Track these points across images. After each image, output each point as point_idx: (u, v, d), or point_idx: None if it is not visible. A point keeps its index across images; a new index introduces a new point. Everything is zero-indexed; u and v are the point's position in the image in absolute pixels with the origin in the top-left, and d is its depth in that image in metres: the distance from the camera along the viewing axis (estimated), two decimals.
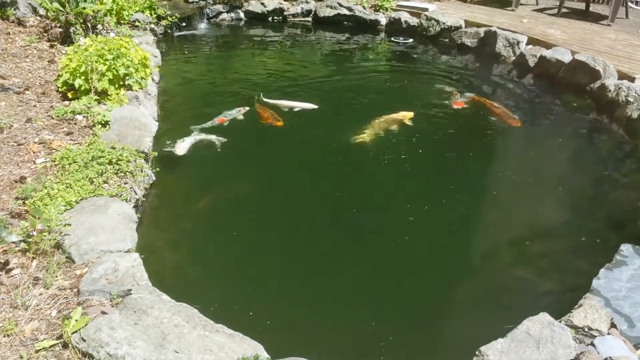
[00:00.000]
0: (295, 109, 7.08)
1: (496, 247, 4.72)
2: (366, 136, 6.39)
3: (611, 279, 3.90)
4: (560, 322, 3.30)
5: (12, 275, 3.37)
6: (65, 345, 2.87)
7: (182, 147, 5.88)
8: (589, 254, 4.51)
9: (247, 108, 7.13)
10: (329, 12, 11.59)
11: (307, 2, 11.86)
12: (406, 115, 6.94)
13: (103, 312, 3.09)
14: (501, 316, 3.81)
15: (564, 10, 11.19)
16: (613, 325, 3.42)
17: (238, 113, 6.97)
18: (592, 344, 3.20)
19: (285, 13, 11.88)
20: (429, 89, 8.27)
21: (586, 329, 3.30)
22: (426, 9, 11.10)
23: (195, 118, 6.90)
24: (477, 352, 3.04)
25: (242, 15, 11.94)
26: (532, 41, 9.31)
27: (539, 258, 4.54)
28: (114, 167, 4.57)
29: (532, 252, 4.61)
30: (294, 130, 6.59)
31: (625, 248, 4.23)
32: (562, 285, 4.22)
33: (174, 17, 10.31)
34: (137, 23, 9.25)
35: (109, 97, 5.94)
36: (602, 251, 4.41)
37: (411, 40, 10.79)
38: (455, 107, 7.25)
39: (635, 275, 3.94)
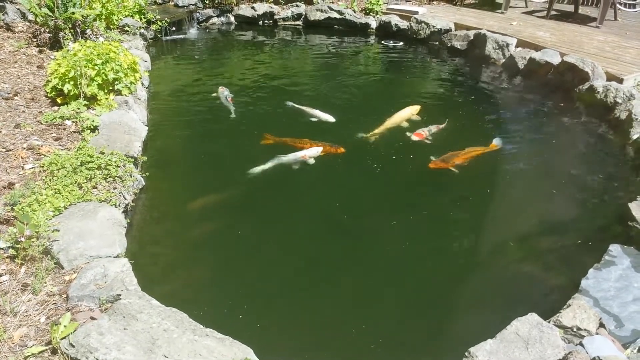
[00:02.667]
0: (313, 119, 6.96)
1: (485, 249, 4.74)
2: (378, 134, 6.52)
3: (600, 279, 3.93)
4: (549, 322, 3.32)
5: (1, 282, 3.34)
6: (54, 351, 2.86)
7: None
8: (578, 255, 4.53)
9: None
10: (319, 16, 11.63)
11: (297, 6, 11.89)
12: (414, 110, 7.07)
13: (92, 318, 3.07)
14: (490, 317, 3.81)
15: (553, 12, 11.27)
16: (602, 325, 3.43)
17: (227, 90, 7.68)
18: (581, 344, 3.21)
19: (276, 17, 11.91)
20: (419, 91, 8.30)
21: (575, 329, 3.31)
22: (416, 12, 11.16)
23: (186, 122, 6.93)
24: (466, 353, 3.05)
25: (232, 19, 11.96)
26: (521, 43, 9.37)
27: (528, 259, 4.56)
28: (102, 172, 4.55)
29: (521, 253, 4.62)
30: (291, 133, 6.59)
31: (614, 248, 4.26)
32: (551, 285, 4.24)
33: (163, 22, 10.31)
34: (126, 28, 9.26)
35: (98, 102, 5.92)
36: (591, 252, 4.43)
37: (401, 43, 10.85)
38: (415, 138, 6.39)
39: (624, 275, 3.97)
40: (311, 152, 5.81)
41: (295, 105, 7.20)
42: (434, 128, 6.59)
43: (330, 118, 6.95)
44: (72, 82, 5.81)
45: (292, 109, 7.18)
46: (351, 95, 8.12)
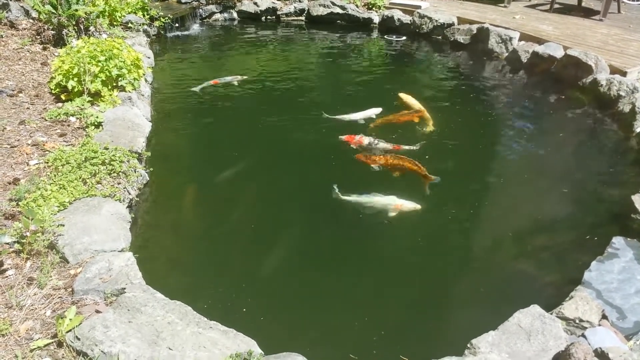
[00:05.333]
0: (361, 120, 6.77)
1: (488, 241, 4.75)
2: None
3: (603, 271, 3.94)
4: (551, 314, 3.33)
5: (7, 276, 3.38)
6: (59, 344, 2.89)
7: None
8: (581, 247, 4.54)
9: (245, 77, 7.98)
10: (322, 11, 11.61)
11: (300, 1, 11.88)
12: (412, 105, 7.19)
13: (97, 311, 3.10)
14: (493, 309, 3.82)
15: (556, 5, 11.23)
16: (604, 317, 3.45)
17: (233, 79, 7.86)
18: (583, 336, 3.22)
19: (279, 12, 11.89)
20: (423, 86, 8.31)
21: (577, 321, 3.32)
22: (419, 6, 11.13)
23: (189, 118, 6.95)
24: (468, 345, 3.06)
25: (235, 15, 11.96)
26: (524, 37, 9.35)
27: (531, 252, 4.56)
28: (107, 168, 4.59)
29: (524, 246, 4.63)
30: (295, 129, 6.63)
31: (617, 241, 4.27)
32: (554, 278, 4.24)
33: (166, 18, 10.33)
34: (129, 24, 9.27)
35: (102, 98, 5.95)
36: (594, 244, 4.44)
37: (404, 37, 10.81)
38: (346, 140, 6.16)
39: (627, 267, 3.98)
40: (408, 206, 4.95)
41: (332, 116, 6.83)
42: (381, 143, 6.08)
43: (375, 110, 6.91)
44: (76, 79, 5.83)
45: (330, 120, 6.80)
46: (356, 90, 8.12)
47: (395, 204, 4.94)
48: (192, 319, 3.08)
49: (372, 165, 5.60)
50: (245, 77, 8.11)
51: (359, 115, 6.83)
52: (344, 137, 6.18)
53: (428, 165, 5.58)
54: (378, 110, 6.87)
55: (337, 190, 5.03)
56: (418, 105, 7.02)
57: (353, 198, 5.00)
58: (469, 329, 3.27)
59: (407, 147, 5.99)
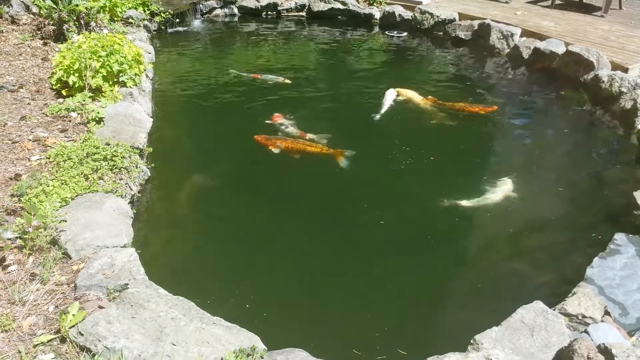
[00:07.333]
0: (390, 107, 7.06)
1: (490, 238, 4.75)
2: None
3: (605, 267, 3.94)
4: (554, 310, 3.33)
5: (9, 272, 3.38)
6: (62, 340, 2.89)
7: None
8: (584, 245, 4.54)
9: (288, 81, 7.86)
10: (322, 7, 11.58)
11: None
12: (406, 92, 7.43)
13: (100, 307, 3.10)
14: (496, 306, 3.83)
15: (557, 1, 11.19)
16: (607, 313, 3.45)
17: (276, 78, 7.92)
18: (586, 332, 3.22)
19: (279, 8, 11.84)
20: (424, 82, 8.29)
21: (580, 317, 3.33)
22: (420, 2, 11.09)
23: (190, 113, 6.94)
24: (471, 341, 3.06)
25: (235, 10, 11.91)
26: (525, 33, 9.32)
27: (535, 249, 4.57)
28: (108, 164, 4.58)
29: (527, 244, 4.63)
30: (298, 124, 6.59)
31: (619, 237, 4.27)
32: (556, 274, 4.25)
33: (167, 14, 10.29)
34: (130, 20, 9.24)
35: (103, 93, 5.94)
36: (596, 241, 4.44)
37: (405, 34, 10.77)
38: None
39: (629, 263, 3.98)
40: (509, 189, 5.29)
41: (379, 114, 6.92)
42: (290, 127, 6.39)
43: (392, 92, 7.27)
44: (77, 74, 5.82)
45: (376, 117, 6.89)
46: (357, 86, 8.11)
47: (506, 193, 5.22)
48: (195, 315, 3.08)
49: (272, 149, 5.81)
50: (288, 81, 7.94)
51: (385, 106, 7.05)
52: (272, 118, 6.52)
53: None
54: (393, 91, 7.23)
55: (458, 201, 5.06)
56: (420, 97, 7.18)
57: (475, 202, 5.09)
58: (472, 325, 3.27)
59: (313, 136, 6.15)
